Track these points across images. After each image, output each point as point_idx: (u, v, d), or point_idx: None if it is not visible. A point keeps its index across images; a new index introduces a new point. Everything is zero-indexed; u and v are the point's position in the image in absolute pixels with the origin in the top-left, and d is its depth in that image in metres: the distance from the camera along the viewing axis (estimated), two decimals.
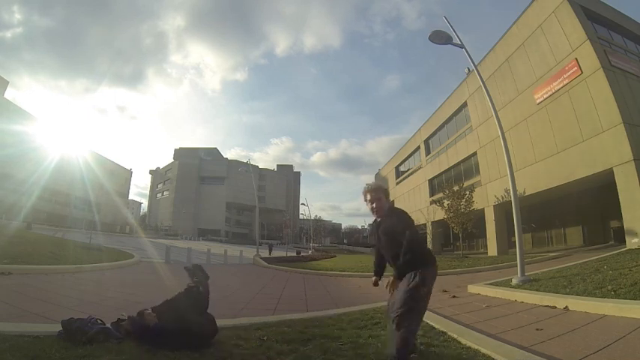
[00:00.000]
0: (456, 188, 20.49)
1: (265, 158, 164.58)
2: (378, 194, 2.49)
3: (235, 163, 70.84)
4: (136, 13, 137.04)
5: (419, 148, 32.71)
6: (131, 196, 78.59)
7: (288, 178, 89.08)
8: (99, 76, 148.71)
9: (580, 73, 13.66)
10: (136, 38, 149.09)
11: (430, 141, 30.78)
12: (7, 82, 36.63)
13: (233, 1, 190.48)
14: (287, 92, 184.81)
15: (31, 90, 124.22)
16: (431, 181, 29.48)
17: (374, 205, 2.47)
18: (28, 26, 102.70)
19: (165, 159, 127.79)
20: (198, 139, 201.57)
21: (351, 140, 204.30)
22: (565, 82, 14.39)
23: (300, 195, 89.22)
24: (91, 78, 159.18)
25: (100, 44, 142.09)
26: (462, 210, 19.39)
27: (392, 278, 2.39)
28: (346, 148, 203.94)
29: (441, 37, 8.36)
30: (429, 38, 8.40)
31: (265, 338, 2.99)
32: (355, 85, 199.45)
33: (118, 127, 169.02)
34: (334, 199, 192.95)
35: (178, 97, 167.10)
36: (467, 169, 24.18)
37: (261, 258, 17.59)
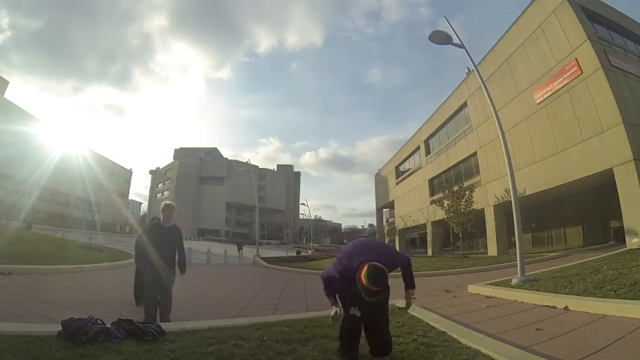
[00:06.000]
0: (455, 188, 20.49)
1: (256, 158, 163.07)
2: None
3: (235, 163, 70.90)
4: (119, 14, 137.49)
5: (419, 148, 32.72)
6: (131, 196, 78.64)
7: (288, 178, 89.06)
8: (90, 77, 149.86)
9: (580, 73, 13.66)
10: (122, 39, 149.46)
11: (430, 141, 30.79)
12: (7, 82, 36.64)
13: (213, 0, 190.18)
14: (274, 91, 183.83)
15: (22, 91, 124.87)
16: (431, 181, 29.49)
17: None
18: (15, 29, 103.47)
19: (166, 159, 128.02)
20: (193, 138, 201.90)
21: (340, 140, 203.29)
22: (565, 82, 14.39)
23: (300, 195, 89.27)
24: (83, 78, 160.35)
25: (88, 46, 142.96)
26: (462, 210, 19.40)
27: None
28: (337, 148, 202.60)
29: (440, 37, 8.35)
30: (429, 38, 8.39)
31: (265, 338, 2.99)
32: (343, 84, 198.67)
33: (117, 128, 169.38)
34: (329, 199, 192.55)
35: (169, 96, 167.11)
36: (467, 169, 24.18)
37: (261, 258, 17.59)
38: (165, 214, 4.28)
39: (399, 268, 2.54)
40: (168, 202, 4.40)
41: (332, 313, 2.38)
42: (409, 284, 2.51)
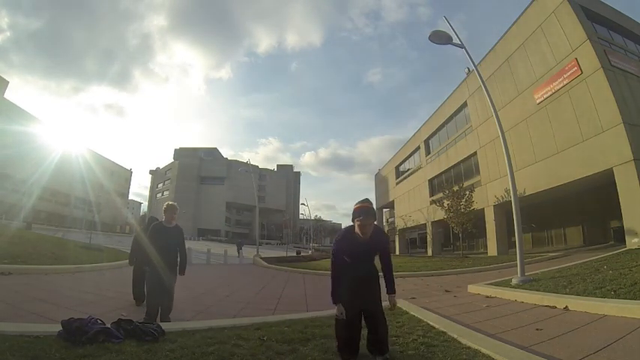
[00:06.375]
0: (455, 188, 20.50)
1: (256, 158, 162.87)
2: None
3: (235, 163, 70.93)
4: (119, 14, 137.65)
5: (419, 148, 32.72)
6: (131, 196, 78.66)
7: (288, 178, 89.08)
8: (90, 77, 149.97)
9: (580, 73, 13.66)
10: (122, 39, 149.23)
11: (430, 141, 30.79)
12: (8, 82, 36.60)
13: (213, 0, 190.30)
14: (274, 91, 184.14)
15: (22, 91, 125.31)
16: (431, 181, 29.49)
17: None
18: (15, 29, 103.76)
19: (166, 159, 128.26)
20: (193, 138, 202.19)
21: (340, 140, 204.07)
22: (565, 82, 14.39)
23: (300, 195, 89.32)
24: (83, 78, 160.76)
25: (87, 46, 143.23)
26: (462, 210, 19.40)
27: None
28: (336, 148, 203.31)
29: (440, 37, 8.34)
30: (429, 38, 8.39)
31: (265, 338, 2.99)
32: (343, 84, 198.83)
33: (117, 128, 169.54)
34: (329, 199, 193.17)
35: (169, 96, 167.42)
36: (467, 169, 24.18)
37: (261, 258, 17.59)
38: (168, 215, 4.29)
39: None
40: (170, 202, 4.41)
41: (337, 313, 2.51)
42: (390, 289, 2.63)
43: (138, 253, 5.03)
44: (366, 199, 2.61)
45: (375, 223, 2.56)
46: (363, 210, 2.46)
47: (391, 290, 2.63)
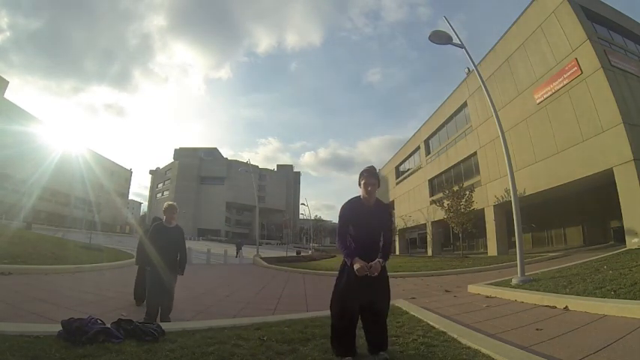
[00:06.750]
0: (455, 188, 20.49)
1: (256, 158, 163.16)
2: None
3: (235, 163, 70.95)
4: (118, 14, 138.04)
5: (419, 148, 32.72)
6: (131, 196, 78.70)
7: (288, 178, 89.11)
8: (90, 77, 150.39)
9: (580, 73, 13.65)
10: (121, 39, 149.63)
11: (430, 141, 30.78)
12: (8, 82, 36.60)
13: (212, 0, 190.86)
14: (273, 91, 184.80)
15: (22, 91, 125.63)
16: (431, 181, 29.48)
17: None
18: (15, 29, 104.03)
19: (166, 159, 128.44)
20: (193, 138, 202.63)
21: (340, 140, 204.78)
22: (565, 82, 14.39)
23: (300, 195, 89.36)
24: (83, 78, 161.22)
25: (87, 46, 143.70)
26: (462, 210, 19.39)
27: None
28: (336, 148, 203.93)
29: (440, 37, 8.35)
30: (429, 38, 8.40)
31: (265, 338, 2.99)
32: (342, 84, 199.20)
33: (117, 128, 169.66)
34: (329, 199, 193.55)
35: (169, 96, 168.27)
36: (467, 169, 24.17)
37: (261, 258, 17.58)
38: (168, 215, 4.30)
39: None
40: (170, 202, 4.42)
41: (357, 267, 2.40)
42: (384, 257, 2.53)
43: (142, 253, 5.05)
44: (372, 165, 2.74)
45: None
46: (367, 171, 2.63)
47: (383, 257, 2.51)
